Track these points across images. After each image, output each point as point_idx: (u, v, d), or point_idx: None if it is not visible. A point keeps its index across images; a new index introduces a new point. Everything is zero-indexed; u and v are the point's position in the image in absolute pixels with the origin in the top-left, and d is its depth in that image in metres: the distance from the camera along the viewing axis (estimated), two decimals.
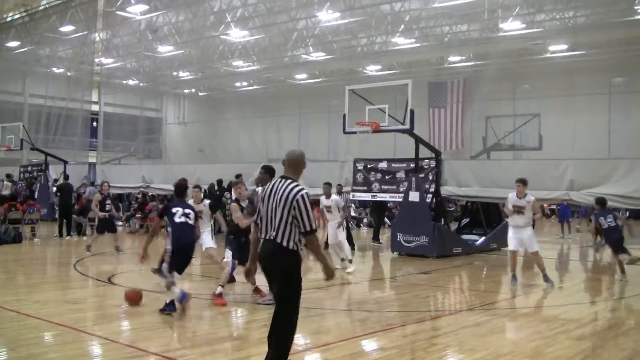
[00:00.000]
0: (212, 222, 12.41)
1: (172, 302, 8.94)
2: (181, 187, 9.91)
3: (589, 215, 22.09)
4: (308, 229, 5.77)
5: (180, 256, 9.21)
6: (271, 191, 5.93)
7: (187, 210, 9.49)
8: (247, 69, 41.90)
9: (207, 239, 11.53)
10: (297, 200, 5.75)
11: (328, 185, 15.33)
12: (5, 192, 23.78)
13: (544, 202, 19.72)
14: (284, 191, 5.82)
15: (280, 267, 5.88)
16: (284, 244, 5.79)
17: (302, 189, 5.85)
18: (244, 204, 10.89)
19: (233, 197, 17.03)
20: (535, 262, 12.72)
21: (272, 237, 5.83)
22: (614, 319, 9.42)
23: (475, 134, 35.94)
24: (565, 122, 32.36)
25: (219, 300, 9.90)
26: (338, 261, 14.23)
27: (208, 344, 7.44)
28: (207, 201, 11.92)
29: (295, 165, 6.08)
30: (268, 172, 10.58)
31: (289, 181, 5.92)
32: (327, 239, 14.93)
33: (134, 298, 9.44)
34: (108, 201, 16.81)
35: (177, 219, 9.34)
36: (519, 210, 12.58)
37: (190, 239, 9.46)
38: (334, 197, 14.98)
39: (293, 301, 5.95)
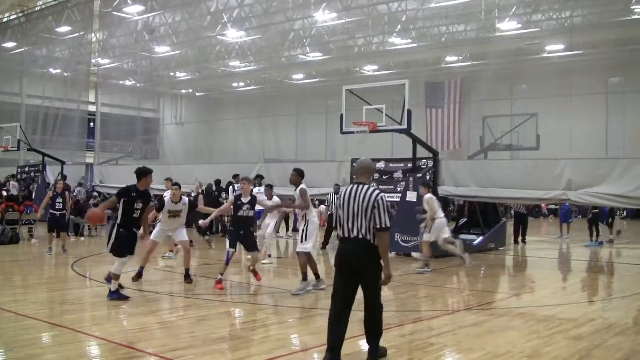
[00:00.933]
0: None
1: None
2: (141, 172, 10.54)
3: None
4: (383, 225, 6.51)
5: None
6: (349, 196, 6.68)
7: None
8: (244, 69, 41.92)
9: (181, 233, 12.22)
10: (377, 201, 6.55)
11: (269, 187, 16.46)
12: (13, 191, 23.79)
13: (542, 202, 19.74)
14: (364, 195, 6.60)
15: (369, 261, 6.57)
16: (371, 241, 6.55)
17: (380, 191, 6.72)
18: (245, 199, 11.50)
19: (233, 194, 17.23)
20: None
21: (358, 236, 6.56)
22: (611, 318, 9.43)
23: (473, 134, 35.91)
24: (562, 121, 32.38)
25: (217, 286, 11.20)
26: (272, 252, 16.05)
27: (206, 344, 7.43)
28: (186, 199, 12.37)
29: (367, 171, 6.96)
30: (300, 175, 11.46)
31: (366, 186, 6.72)
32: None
33: (94, 217, 10.27)
34: (59, 199, 16.65)
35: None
36: None
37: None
38: (275, 198, 16.07)
39: (379, 287, 6.71)
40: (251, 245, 11.81)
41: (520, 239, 22.10)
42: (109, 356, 7.04)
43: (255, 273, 11.94)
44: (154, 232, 12.13)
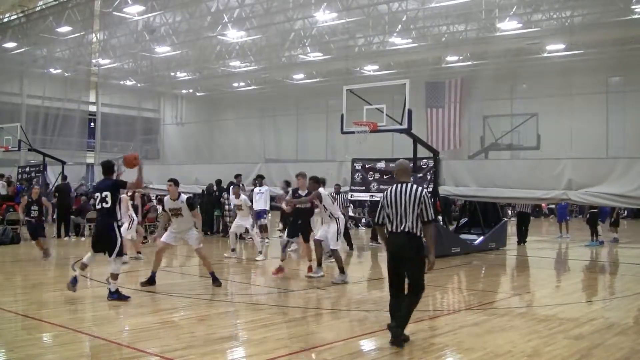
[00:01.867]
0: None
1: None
2: (106, 165, 10.50)
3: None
4: (430, 218, 7.41)
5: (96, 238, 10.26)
6: (397, 195, 7.48)
7: (104, 194, 9.99)
8: (245, 69, 41.94)
9: (191, 238, 11.58)
10: (423, 197, 7.42)
11: (237, 187, 17.25)
12: (2, 190, 23.77)
13: (543, 202, 19.74)
14: (411, 193, 7.43)
15: (416, 252, 7.41)
16: (418, 233, 7.41)
17: (424, 188, 7.69)
18: (302, 192, 12.76)
19: (232, 197, 17.42)
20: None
21: (407, 230, 7.37)
22: (612, 318, 9.43)
23: (473, 134, 36.02)
24: (562, 121, 32.43)
25: (277, 273, 12.57)
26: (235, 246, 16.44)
27: (207, 344, 7.43)
28: (184, 196, 11.66)
29: (406, 171, 7.86)
30: (318, 182, 12.48)
31: (409, 184, 7.56)
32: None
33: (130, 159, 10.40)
34: (34, 207, 16.11)
35: (96, 205, 10.21)
36: None
37: (101, 223, 10.15)
38: (243, 196, 16.70)
39: (423, 277, 7.55)
40: (307, 237, 12.88)
41: (522, 239, 21.84)
42: (109, 356, 7.04)
43: (310, 269, 12.74)
44: (165, 234, 11.70)
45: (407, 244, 7.39)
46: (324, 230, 12.53)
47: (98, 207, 10.11)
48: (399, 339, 7.34)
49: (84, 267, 10.35)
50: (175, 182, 11.50)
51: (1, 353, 7.04)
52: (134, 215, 14.92)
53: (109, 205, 9.98)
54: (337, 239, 12.45)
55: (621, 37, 30.60)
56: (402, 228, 7.39)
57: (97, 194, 10.12)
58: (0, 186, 24.47)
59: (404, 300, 7.50)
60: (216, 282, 11.41)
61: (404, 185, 7.54)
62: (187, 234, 11.52)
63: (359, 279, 13.97)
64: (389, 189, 7.62)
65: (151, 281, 11.23)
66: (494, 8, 30.16)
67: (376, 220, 7.76)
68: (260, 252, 16.18)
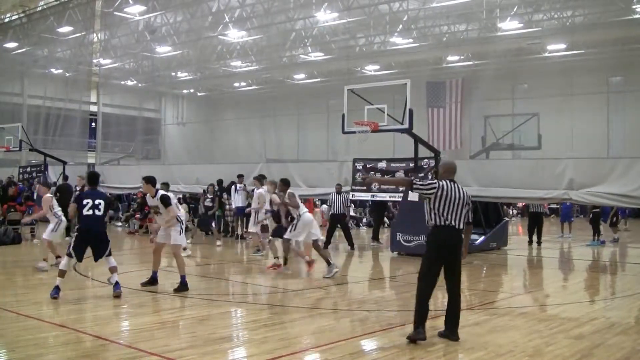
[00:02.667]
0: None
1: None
2: (94, 176, 11.16)
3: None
4: (471, 220, 8.13)
5: (85, 243, 10.28)
6: (451, 191, 7.78)
7: (97, 201, 10.39)
8: (245, 69, 41.93)
9: (171, 235, 11.38)
10: (470, 199, 8.01)
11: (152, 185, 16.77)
12: None
13: (544, 202, 19.72)
14: (461, 191, 7.87)
15: (460, 247, 7.95)
16: (462, 230, 7.92)
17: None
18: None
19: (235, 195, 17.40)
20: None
21: (456, 225, 7.80)
22: (613, 317, 9.42)
23: (474, 134, 35.99)
24: (563, 121, 32.42)
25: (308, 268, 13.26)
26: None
27: (208, 344, 7.43)
28: (161, 193, 11.55)
29: (454, 170, 8.14)
30: (288, 184, 13.85)
31: (458, 184, 7.94)
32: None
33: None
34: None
35: (85, 212, 10.27)
36: None
37: (99, 229, 10.44)
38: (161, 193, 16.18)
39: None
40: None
41: (535, 239, 21.40)
42: (110, 356, 7.04)
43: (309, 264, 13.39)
44: (159, 233, 11.58)
45: (458, 238, 7.87)
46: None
47: (89, 212, 10.30)
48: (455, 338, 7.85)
49: (63, 274, 10.23)
50: (148, 180, 11.41)
51: (2, 353, 7.04)
52: (62, 216, 13.75)
53: (101, 213, 10.41)
54: (292, 231, 13.28)
55: (622, 37, 30.57)
56: (454, 223, 7.77)
57: (89, 201, 10.35)
58: None
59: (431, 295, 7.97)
60: (183, 287, 10.84)
61: (456, 183, 7.90)
62: (168, 232, 11.35)
63: (360, 279, 13.98)
64: (443, 183, 7.82)
65: (152, 281, 11.23)
66: (495, 8, 30.15)
67: (414, 180, 8.19)
68: (259, 250, 16.44)
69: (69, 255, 10.29)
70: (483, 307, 10.24)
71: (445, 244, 7.80)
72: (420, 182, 8.00)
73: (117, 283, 10.26)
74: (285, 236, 13.51)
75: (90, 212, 10.30)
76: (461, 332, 8.04)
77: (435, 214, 7.77)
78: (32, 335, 7.82)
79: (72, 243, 10.37)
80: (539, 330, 8.45)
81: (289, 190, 13.61)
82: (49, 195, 13.59)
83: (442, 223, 7.74)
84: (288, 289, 11.50)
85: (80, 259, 10.33)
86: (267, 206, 16.08)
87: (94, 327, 8.36)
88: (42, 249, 13.22)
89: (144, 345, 7.29)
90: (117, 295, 10.07)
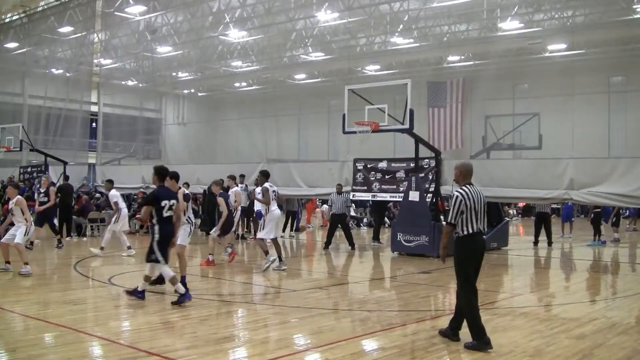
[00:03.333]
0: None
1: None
2: (167, 171, 10.38)
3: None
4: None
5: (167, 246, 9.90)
6: (475, 196, 7.61)
7: (172, 202, 9.91)
8: (246, 70, 41.90)
9: (182, 235, 11.41)
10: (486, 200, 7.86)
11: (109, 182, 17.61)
12: None
13: (544, 202, 19.71)
14: (482, 195, 7.72)
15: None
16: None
17: None
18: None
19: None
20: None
21: (483, 230, 7.70)
22: (614, 317, 9.42)
23: (475, 134, 35.95)
24: (564, 121, 32.32)
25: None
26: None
27: (209, 345, 7.44)
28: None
29: (472, 173, 7.92)
30: (265, 176, 14.07)
31: (475, 186, 7.74)
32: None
33: None
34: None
35: (165, 213, 9.81)
36: None
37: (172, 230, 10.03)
38: (114, 192, 16.86)
39: None
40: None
41: (541, 239, 21.11)
42: (111, 356, 7.04)
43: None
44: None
45: (484, 243, 7.80)
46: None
47: (169, 214, 9.85)
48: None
49: (148, 279, 10.11)
50: (172, 176, 10.82)
51: (3, 353, 7.05)
52: (31, 219, 13.50)
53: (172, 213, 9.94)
54: (262, 229, 13.82)
55: (623, 36, 30.52)
56: (482, 228, 7.67)
57: (166, 202, 9.82)
58: None
59: None
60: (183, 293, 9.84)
61: (474, 186, 7.74)
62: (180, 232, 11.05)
63: (361, 279, 13.99)
64: (466, 191, 7.61)
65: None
66: (496, 8, 30.12)
67: (451, 220, 7.63)
68: (102, 249, 16.04)
69: (155, 261, 9.77)
70: (484, 307, 10.21)
71: (477, 251, 7.67)
72: (451, 213, 7.60)
73: (140, 291, 9.89)
74: (258, 237, 14.02)
75: (169, 213, 9.85)
76: (462, 333, 8.04)
77: (462, 222, 7.56)
78: (33, 335, 7.83)
79: (156, 250, 9.73)
80: (539, 330, 8.45)
81: (265, 184, 13.82)
82: (20, 197, 13.20)
83: (473, 230, 7.55)
84: (289, 289, 11.50)
85: (167, 260, 9.88)
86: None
87: (95, 327, 8.36)
88: (19, 253, 12.90)
89: (144, 345, 7.30)
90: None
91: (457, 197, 7.58)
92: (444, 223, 13.47)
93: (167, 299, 10.33)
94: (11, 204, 12.65)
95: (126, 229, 16.79)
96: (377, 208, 22.49)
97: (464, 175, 7.83)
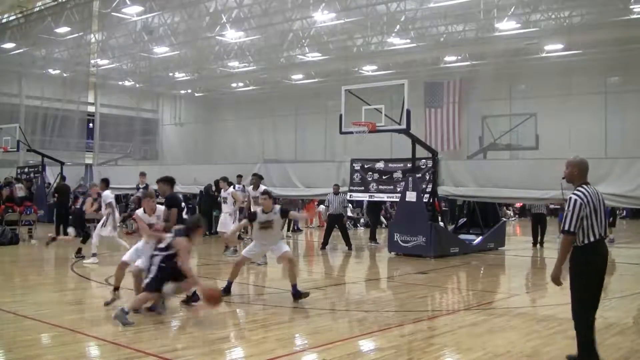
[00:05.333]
0: None
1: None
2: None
3: None
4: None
5: None
6: (597, 198, 6.57)
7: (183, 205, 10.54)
8: (243, 70, 41.90)
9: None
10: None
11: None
12: (21, 193, 23.77)
13: (541, 202, 19.73)
14: (599, 194, 6.64)
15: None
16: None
17: None
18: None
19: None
20: None
21: (605, 236, 6.52)
22: (611, 318, 9.43)
23: (472, 134, 35.97)
24: (561, 121, 32.41)
25: None
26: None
27: (206, 345, 7.43)
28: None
29: (588, 170, 7.01)
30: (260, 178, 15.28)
31: (592, 186, 6.71)
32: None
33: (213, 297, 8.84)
34: None
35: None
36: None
37: None
38: (108, 193, 16.29)
39: None
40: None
41: (539, 240, 21.08)
42: (109, 357, 7.04)
43: None
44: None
45: (607, 250, 6.64)
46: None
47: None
48: None
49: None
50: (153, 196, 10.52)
51: (1, 354, 7.04)
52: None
53: None
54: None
55: (620, 37, 30.54)
56: (604, 234, 6.53)
57: (184, 205, 10.92)
58: (18, 188, 24.47)
59: None
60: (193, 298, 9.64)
61: (591, 186, 6.73)
62: None
63: (358, 279, 13.99)
64: (586, 193, 6.58)
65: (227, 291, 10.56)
66: (493, 8, 30.15)
67: (571, 228, 6.39)
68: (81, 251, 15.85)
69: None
70: (481, 308, 10.25)
71: (604, 259, 6.51)
72: (570, 219, 6.41)
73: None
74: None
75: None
76: (459, 333, 8.06)
77: (583, 229, 6.39)
78: (30, 335, 7.82)
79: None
80: (537, 330, 8.46)
81: (262, 187, 14.59)
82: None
83: (596, 238, 6.41)
84: (286, 289, 11.49)
85: None
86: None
87: (93, 327, 8.35)
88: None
89: (142, 345, 7.29)
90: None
91: (575, 200, 6.46)
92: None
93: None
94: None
95: (113, 235, 15.20)
96: (372, 208, 22.52)
97: (582, 174, 6.84)
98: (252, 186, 17.11)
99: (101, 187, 16.30)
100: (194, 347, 7.33)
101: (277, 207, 10.78)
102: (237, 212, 16.70)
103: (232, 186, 17.32)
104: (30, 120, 37.72)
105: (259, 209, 10.99)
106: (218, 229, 17.53)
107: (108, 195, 15.38)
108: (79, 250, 15.43)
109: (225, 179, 17.36)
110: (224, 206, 17.00)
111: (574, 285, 6.50)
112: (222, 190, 17.32)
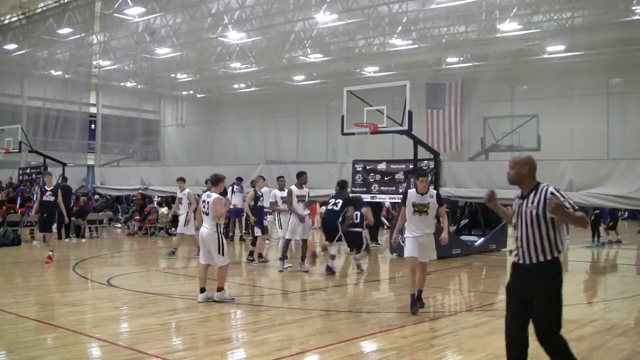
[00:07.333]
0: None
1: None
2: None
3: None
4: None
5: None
6: None
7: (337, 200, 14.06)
8: (245, 71, 41.93)
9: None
10: None
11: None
12: None
13: None
14: None
15: None
16: None
17: None
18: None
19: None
20: None
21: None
22: (613, 319, 9.42)
23: (474, 135, 35.95)
24: (563, 122, 32.37)
25: None
26: None
27: (208, 346, 7.44)
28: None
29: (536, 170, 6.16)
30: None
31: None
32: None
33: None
34: None
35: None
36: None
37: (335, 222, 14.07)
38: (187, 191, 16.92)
39: None
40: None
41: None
42: (110, 358, 7.04)
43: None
44: None
45: None
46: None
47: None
48: None
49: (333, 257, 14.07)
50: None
51: (2, 355, 7.04)
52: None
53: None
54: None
55: (622, 38, 30.51)
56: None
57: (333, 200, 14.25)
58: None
59: None
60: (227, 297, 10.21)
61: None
62: None
63: (359, 280, 13.98)
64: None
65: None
66: (495, 9, 30.16)
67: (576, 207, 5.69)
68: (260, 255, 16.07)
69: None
70: (482, 309, 10.24)
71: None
72: (571, 200, 5.77)
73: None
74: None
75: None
76: (460, 334, 8.06)
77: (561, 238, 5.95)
78: (31, 336, 7.83)
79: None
80: None
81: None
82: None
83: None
84: (287, 290, 11.50)
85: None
86: (266, 204, 16.08)
87: (94, 328, 8.36)
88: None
89: (143, 346, 7.29)
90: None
91: (558, 190, 5.81)
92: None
93: (165, 300, 10.33)
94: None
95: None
96: (372, 209, 22.46)
97: (532, 174, 6.13)
98: (276, 189, 16.01)
99: (179, 185, 16.75)
100: (195, 348, 7.33)
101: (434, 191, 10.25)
102: (192, 214, 16.10)
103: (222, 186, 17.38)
104: (32, 121, 37.74)
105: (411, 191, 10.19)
106: (178, 230, 17.11)
107: (190, 193, 16.47)
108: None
109: (181, 179, 16.87)
110: (180, 207, 16.70)
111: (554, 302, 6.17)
112: (179, 190, 16.89)
